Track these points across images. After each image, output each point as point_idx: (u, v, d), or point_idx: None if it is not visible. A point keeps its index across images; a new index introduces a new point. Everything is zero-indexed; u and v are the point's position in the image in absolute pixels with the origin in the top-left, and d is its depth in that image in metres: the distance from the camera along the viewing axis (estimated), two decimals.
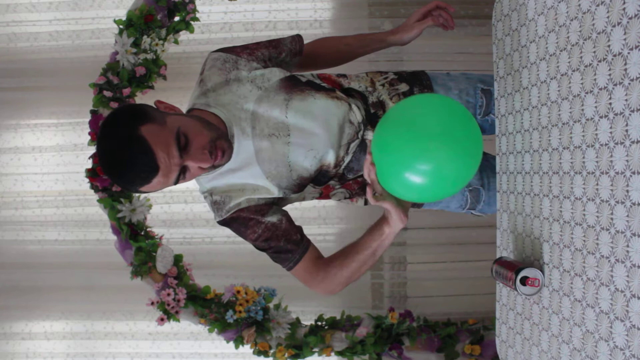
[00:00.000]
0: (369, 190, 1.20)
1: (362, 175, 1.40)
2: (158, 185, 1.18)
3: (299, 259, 1.35)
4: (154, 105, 1.26)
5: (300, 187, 1.35)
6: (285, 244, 1.33)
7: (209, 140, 1.21)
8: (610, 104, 0.91)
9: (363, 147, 1.38)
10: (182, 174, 1.19)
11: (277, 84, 1.34)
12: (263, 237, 1.33)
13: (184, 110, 1.33)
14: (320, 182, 1.40)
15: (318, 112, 1.33)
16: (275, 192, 1.33)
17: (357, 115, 1.37)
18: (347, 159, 1.37)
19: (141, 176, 1.14)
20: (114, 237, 2.34)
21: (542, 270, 1.16)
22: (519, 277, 1.16)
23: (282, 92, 1.33)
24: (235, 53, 1.38)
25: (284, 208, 1.39)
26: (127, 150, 1.13)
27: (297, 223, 1.38)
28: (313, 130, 1.32)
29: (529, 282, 1.16)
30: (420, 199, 1.19)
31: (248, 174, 1.32)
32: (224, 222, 1.35)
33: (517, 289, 1.16)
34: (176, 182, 1.20)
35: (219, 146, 1.22)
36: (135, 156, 1.13)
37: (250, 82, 1.33)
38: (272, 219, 1.33)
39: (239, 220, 1.33)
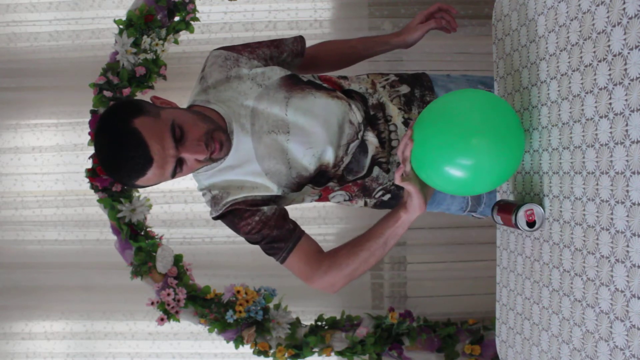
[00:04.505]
0: (398, 171, 1.18)
1: (361, 177, 1.40)
2: (154, 177, 1.18)
3: (292, 248, 1.32)
4: (150, 101, 1.27)
5: (299, 185, 1.35)
6: (278, 232, 1.31)
7: (205, 132, 1.21)
8: (610, 104, 0.91)
9: (363, 148, 1.38)
10: (179, 167, 1.20)
11: (277, 82, 1.34)
12: (256, 229, 1.31)
13: (182, 107, 1.33)
14: (319, 182, 1.39)
15: (318, 110, 1.33)
16: (274, 190, 1.33)
17: (357, 115, 1.37)
18: (347, 160, 1.37)
19: (136, 169, 1.15)
20: (114, 237, 2.34)
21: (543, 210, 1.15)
22: (518, 213, 1.14)
23: (283, 90, 1.33)
24: (237, 51, 1.38)
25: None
26: (120, 143, 1.14)
27: (297, 223, 1.37)
28: (313, 128, 1.32)
29: (529, 217, 1.14)
30: (459, 192, 1.19)
31: (247, 171, 1.32)
32: (219, 216, 1.35)
33: (518, 226, 1.15)
34: (173, 175, 1.21)
35: (216, 137, 1.23)
36: (129, 149, 1.14)
37: (250, 80, 1.34)
38: (266, 210, 1.31)
39: (234, 213, 1.32)
